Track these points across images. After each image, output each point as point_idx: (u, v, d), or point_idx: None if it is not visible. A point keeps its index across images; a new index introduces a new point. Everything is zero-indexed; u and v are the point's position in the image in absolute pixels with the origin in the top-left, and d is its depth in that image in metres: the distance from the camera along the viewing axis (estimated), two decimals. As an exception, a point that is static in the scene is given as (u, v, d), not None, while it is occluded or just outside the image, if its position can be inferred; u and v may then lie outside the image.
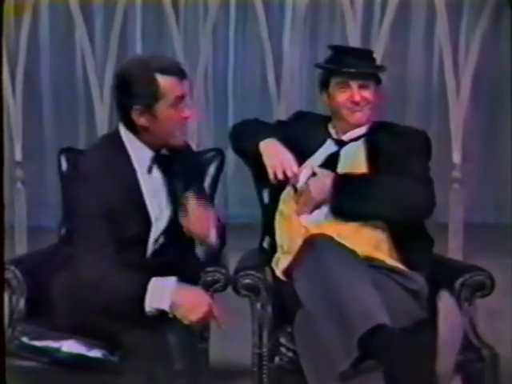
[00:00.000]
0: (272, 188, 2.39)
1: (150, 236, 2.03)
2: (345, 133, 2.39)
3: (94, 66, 4.05)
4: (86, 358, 2.06)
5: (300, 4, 4.10)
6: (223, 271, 2.18)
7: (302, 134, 2.39)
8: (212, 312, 1.91)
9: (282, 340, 2.12)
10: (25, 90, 4.20)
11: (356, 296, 1.90)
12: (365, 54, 2.43)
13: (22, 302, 2.19)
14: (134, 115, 1.98)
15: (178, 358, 1.88)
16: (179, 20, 4.41)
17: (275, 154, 2.26)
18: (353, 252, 2.08)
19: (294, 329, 2.07)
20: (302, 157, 2.32)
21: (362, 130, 2.38)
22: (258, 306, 2.17)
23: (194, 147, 3.95)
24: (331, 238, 2.10)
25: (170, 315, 1.90)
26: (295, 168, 2.26)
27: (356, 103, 2.34)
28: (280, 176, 2.24)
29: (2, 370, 1.39)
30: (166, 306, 1.88)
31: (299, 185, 2.27)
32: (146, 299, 1.88)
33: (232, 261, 2.27)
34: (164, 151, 2.07)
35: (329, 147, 2.38)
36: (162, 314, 1.91)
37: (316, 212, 2.26)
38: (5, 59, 4.01)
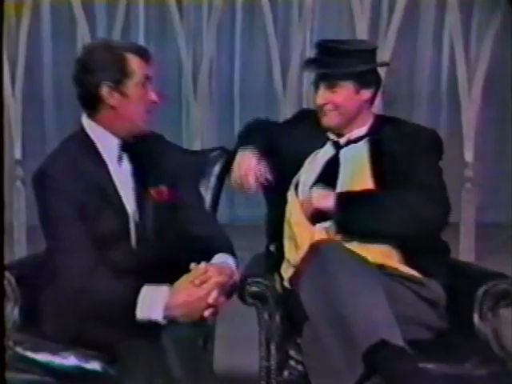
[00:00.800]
0: (279, 192, 2.26)
1: (130, 228, 1.96)
2: (342, 134, 2.23)
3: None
4: (84, 370, 1.96)
5: (307, 2, 4.03)
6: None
7: (304, 136, 2.25)
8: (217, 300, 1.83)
9: (292, 352, 2.01)
10: (26, 87, 4.18)
11: (361, 307, 1.80)
12: (348, 51, 2.16)
13: (16, 311, 2.09)
14: (104, 92, 1.93)
15: (177, 365, 1.78)
16: (183, 17, 4.35)
17: (240, 166, 2.20)
18: (362, 258, 1.97)
19: (302, 342, 1.96)
20: (302, 161, 2.21)
21: (362, 131, 2.22)
22: (266, 315, 2.06)
23: (199, 146, 3.95)
24: (338, 243, 1.99)
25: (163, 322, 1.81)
26: (251, 180, 2.16)
27: (319, 107, 2.19)
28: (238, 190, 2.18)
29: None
30: (159, 318, 1.81)
31: (300, 195, 2.17)
32: (137, 308, 1.80)
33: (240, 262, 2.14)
34: (131, 140, 2.01)
35: (328, 151, 2.24)
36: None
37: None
38: (5, 56, 3.97)
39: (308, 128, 2.27)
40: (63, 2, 4.32)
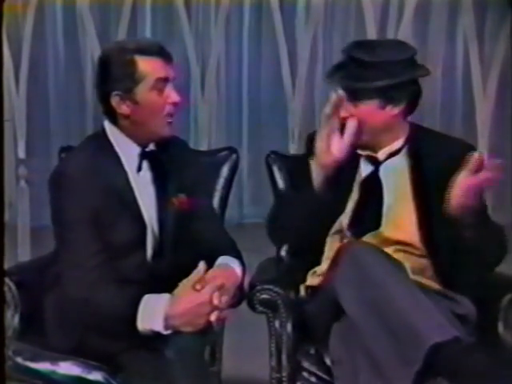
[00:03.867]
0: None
1: (147, 239, 1.89)
2: (380, 148, 2.06)
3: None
4: (86, 381, 1.89)
5: (314, 1, 3.99)
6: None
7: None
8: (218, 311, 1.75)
9: (305, 364, 1.93)
10: (30, 86, 4.14)
11: (421, 308, 1.78)
12: (376, 63, 1.96)
13: (16, 318, 2.02)
14: (114, 102, 1.85)
15: (181, 378, 1.71)
16: (190, 17, 4.34)
17: None
18: (400, 264, 1.91)
19: (330, 345, 1.88)
20: (343, 196, 2.05)
21: (400, 142, 2.05)
22: (277, 324, 1.98)
23: (206, 146, 3.89)
24: (374, 247, 1.91)
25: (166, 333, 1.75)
26: None
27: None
28: None
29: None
30: (160, 328, 1.74)
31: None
32: (137, 319, 1.74)
33: (246, 264, 2.05)
34: (152, 147, 1.93)
35: (365, 169, 2.07)
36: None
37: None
38: (9, 54, 3.92)
39: None
40: (69, 1, 4.27)
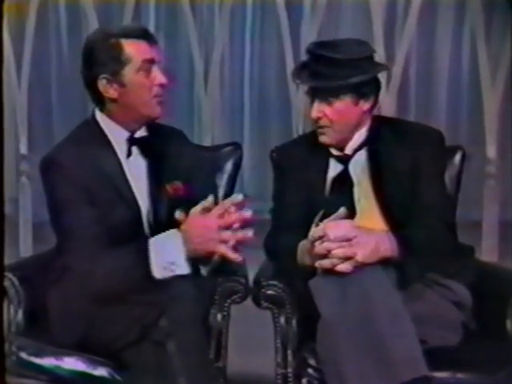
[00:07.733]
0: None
1: (143, 221, 1.90)
2: (344, 144, 2.06)
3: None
4: (90, 376, 1.88)
5: None
6: (242, 280, 2.00)
7: (302, 174, 2.08)
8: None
9: (310, 360, 1.89)
10: (32, 81, 4.13)
11: (402, 335, 1.74)
12: (344, 60, 1.96)
13: (20, 314, 2.02)
14: (101, 86, 1.88)
15: (182, 373, 1.70)
16: (194, 13, 4.33)
17: None
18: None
19: (317, 342, 1.84)
20: (315, 199, 2.04)
21: (362, 135, 2.05)
22: (282, 320, 1.97)
23: (209, 142, 3.88)
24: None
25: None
26: None
27: (314, 120, 2.03)
28: None
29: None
30: (180, 253, 1.74)
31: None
32: (151, 262, 1.73)
33: (251, 261, 2.05)
34: (143, 132, 1.94)
35: (334, 169, 2.07)
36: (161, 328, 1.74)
37: None
38: (11, 49, 3.92)
39: (302, 163, 2.10)
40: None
